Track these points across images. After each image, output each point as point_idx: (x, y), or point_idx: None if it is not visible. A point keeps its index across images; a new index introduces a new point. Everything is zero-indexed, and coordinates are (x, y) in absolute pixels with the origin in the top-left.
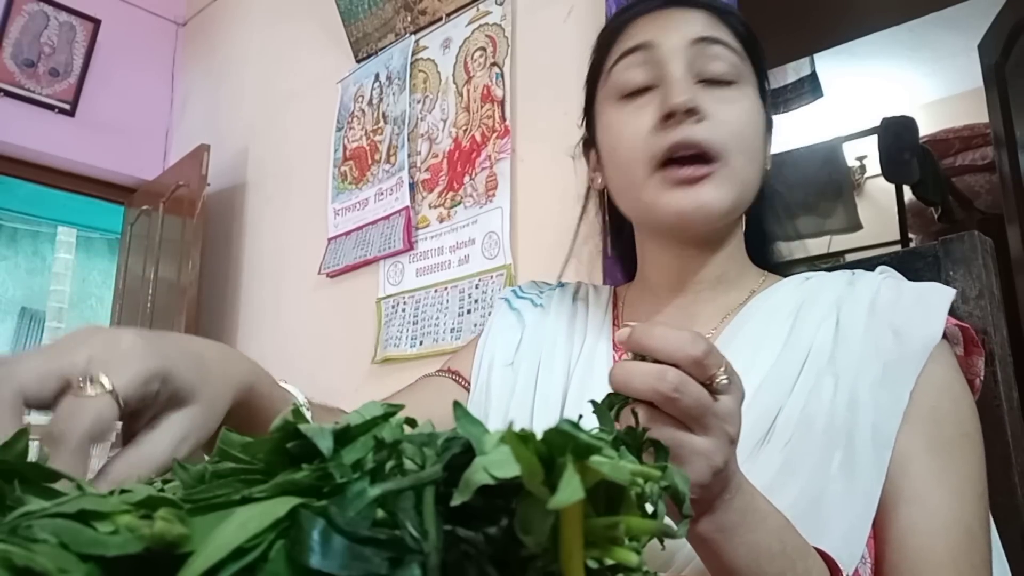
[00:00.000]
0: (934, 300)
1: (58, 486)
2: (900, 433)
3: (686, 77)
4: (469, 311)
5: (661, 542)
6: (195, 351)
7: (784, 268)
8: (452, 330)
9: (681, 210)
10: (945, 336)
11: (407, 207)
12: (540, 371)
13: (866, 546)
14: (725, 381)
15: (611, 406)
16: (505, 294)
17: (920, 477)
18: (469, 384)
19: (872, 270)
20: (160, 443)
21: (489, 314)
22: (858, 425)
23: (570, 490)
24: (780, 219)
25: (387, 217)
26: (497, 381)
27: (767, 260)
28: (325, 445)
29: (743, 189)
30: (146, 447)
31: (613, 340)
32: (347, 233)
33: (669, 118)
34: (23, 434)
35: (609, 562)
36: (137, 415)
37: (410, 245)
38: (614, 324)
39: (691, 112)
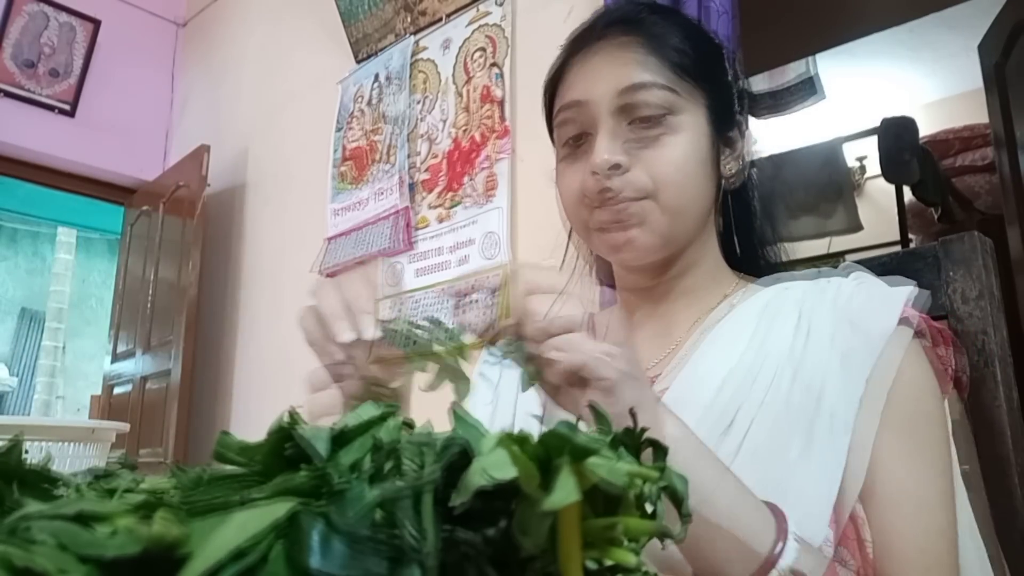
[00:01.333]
0: (891, 293)
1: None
2: (857, 419)
3: (613, 130)
4: (465, 311)
5: (661, 542)
6: None
7: (764, 270)
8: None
9: (615, 246)
10: (916, 330)
11: (407, 207)
12: (516, 411)
13: (829, 527)
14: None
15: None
16: (480, 366)
17: (874, 458)
18: None
19: (875, 271)
20: None
21: (486, 314)
22: (818, 413)
23: (564, 491)
24: (757, 225)
25: (385, 217)
26: None
27: (744, 265)
28: (320, 449)
29: (674, 220)
30: None
31: None
32: (345, 233)
33: (595, 174)
34: (17, 444)
35: (608, 562)
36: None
37: (409, 245)
38: None
39: (614, 167)
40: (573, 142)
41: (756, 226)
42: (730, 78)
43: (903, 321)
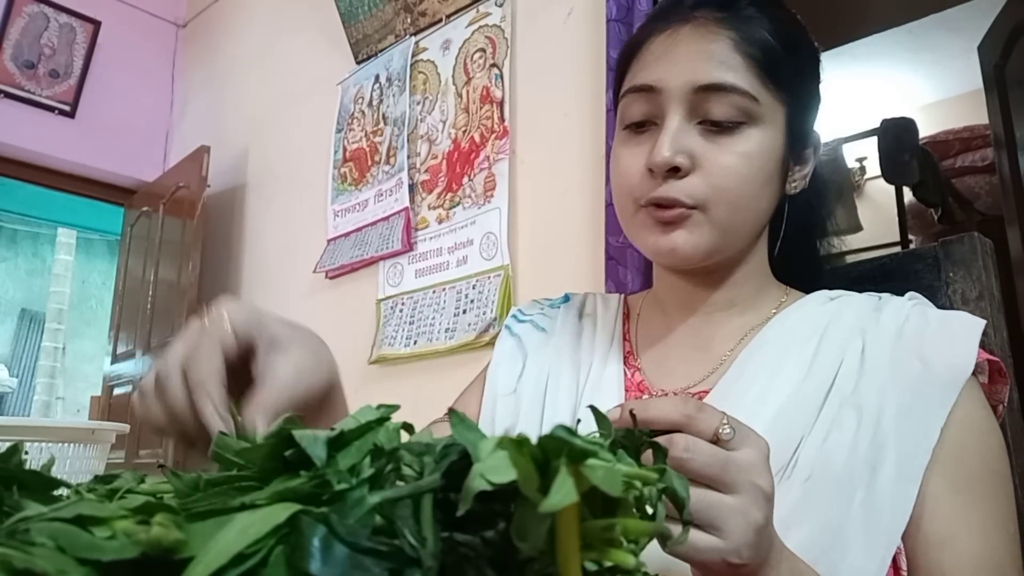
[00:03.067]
0: (963, 331)
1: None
2: (929, 472)
3: (681, 127)
4: (465, 311)
5: (663, 543)
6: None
7: (812, 282)
8: (447, 330)
9: (657, 251)
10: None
11: (406, 208)
12: (547, 398)
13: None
14: (729, 431)
15: None
16: (508, 320)
17: (945, 519)
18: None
19: (874, 272)
20: (282, 372)
21: (484, 314)
22: (883, 461)
23: (562, 493)
24: (811, 237)
25: (386, 218)
26: (501, 411)
27: (794, 277)
28: (318, 454)
29: (723, 236)
30: (271, 378)
31: (624, 359)
32: (346, 234)
33: (652, 171)
34: (16, 449)
35: (608, 564)
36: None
37: (409, 246)
38: (624, 339)
39: (673, 170)
40: (635, 127)
41: (812, 234)
42: (820, 87)
43: (977, 367)
